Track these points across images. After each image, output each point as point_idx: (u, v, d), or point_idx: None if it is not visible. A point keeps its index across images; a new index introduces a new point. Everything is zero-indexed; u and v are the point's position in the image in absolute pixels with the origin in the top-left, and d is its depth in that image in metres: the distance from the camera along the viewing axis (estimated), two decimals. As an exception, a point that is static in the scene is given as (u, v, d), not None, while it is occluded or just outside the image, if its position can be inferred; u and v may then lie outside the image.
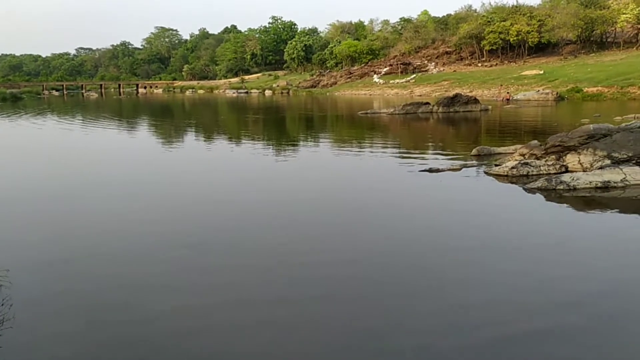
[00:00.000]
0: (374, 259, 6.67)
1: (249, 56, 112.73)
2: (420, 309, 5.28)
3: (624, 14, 60.24)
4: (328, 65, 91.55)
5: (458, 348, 4.52)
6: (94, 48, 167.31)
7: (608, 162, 11.10)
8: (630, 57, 53.73)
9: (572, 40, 65.26)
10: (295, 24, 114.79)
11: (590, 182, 10.08)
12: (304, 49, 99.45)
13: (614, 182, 10.10)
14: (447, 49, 76.28)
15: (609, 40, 64.45)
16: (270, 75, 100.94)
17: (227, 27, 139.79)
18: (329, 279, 6.05)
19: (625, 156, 11.10)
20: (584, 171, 10.98)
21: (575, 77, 46.08)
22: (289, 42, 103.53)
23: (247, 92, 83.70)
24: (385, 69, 74.55)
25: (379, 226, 8.16)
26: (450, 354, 4.44)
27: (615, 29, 62.89)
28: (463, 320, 5.01)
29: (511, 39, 65.58)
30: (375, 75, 73.21)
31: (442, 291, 5.69)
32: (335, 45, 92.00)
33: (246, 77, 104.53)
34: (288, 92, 77.24)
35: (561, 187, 9.96)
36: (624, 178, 10.20)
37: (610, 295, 5.51)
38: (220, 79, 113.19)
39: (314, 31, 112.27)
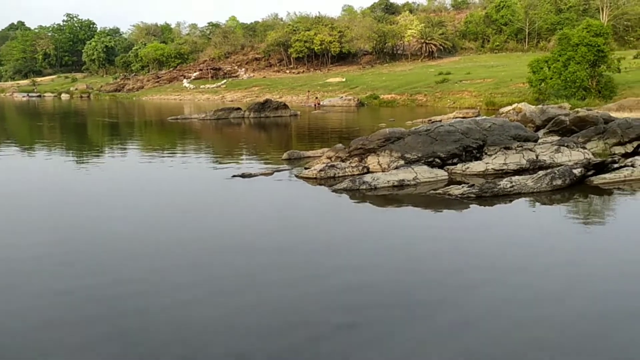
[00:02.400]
0: (177, 264, 6.41)
1: (40, 56, 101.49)
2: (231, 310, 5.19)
3: (409, 29, 67.94)
4: (133, 68, 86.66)
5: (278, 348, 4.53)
6: None
7: (402, 162, 12.26)
8: (416, 68, 60.64)
9: (368, 51, 71.53)
10: (94, 23, 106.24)
11: (388, 182, 11.02)
12: (104, 50, 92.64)
13: (408, 181, 11.19)
14: (257, 56, 77.79)
15: (399, 52, 71.98)
16: (67, 77, 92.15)
17: (13, 24, 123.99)
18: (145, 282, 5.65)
19: (415, 156, 12.38)
20: (383, 171, 11.96)
21: (372, 84, 50.41)
22: (88, 42, 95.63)
23: (39, 96, 75.34)
24: (195, 74, 73.16)
25: (186, 233, 7.89)
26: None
27: (404, 42, 70.54)
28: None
29: (316, 48, 69.40)
30: (185, 80, 71.43)
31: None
32: (140, 48, 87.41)
33: (38, 79, 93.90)
34: (89, 96, 71.27)
35: (364, 187, 10.72)
36: (415, 176, 11.36)
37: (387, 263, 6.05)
38: (6, 80, 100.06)
39: (115, 32, 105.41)
